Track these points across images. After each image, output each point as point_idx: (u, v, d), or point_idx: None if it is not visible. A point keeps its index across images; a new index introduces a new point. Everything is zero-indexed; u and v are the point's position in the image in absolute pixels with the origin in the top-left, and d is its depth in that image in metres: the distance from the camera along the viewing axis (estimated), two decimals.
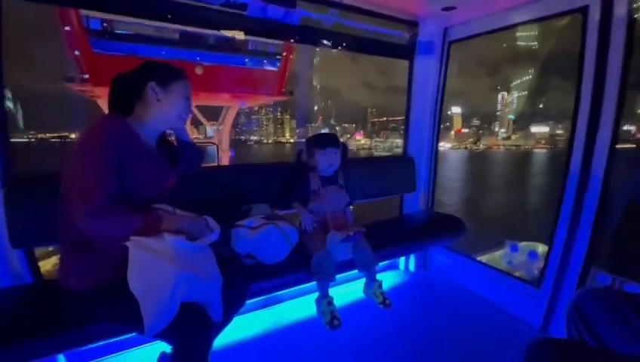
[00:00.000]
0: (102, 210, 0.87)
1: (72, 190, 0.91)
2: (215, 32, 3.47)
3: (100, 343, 1.25)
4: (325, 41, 1.84)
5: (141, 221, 0.93)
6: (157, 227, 0.96)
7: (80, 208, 0.87)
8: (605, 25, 1.38)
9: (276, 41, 4.05)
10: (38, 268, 1.32)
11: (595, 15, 1.41)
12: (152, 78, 1.04)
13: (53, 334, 0.97)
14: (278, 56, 4.17)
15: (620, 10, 1.34)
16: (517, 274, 2.10)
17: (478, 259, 2.21)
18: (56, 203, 0.99)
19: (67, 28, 2.79)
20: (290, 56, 4.17)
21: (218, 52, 4.00)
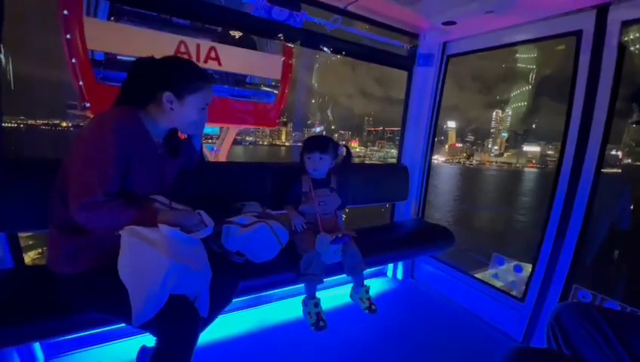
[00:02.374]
0: (97, 204, 0.87)
1: (73, 179, 0.89)
2: (215, 66, 3.58)
3: (80, 334, 1.22)
4: (327, 46, 1.86)
5: (135, 215, 0.92)
6: (152, 220, 0.95)
7: (76, 200, 0.86)
8: (597, 50, 1.43)
9: (273, 77, 4.12)
10: (20, 252, 1.29)
11: (588, 39, 1.46)
12: (170, 87, 1.00)
13: (28, 320, 0.95)
14: (275, 90, 4.21)
15: (612, 37, 1.40)
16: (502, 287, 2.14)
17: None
18: (45, 187, 0.98)
19: (74, 60, 2.85)
20: (286, 90, 4.23)
21: (217, 84, 4.03)
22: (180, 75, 1.03)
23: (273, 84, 4.42)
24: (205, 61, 3.55)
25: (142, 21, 4.13)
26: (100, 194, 0.87)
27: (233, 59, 3.77)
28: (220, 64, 3.65)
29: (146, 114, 1.03)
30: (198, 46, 3.49)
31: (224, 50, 3.67)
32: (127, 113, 0.98)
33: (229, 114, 4.17)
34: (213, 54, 3.57)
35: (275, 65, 4.07)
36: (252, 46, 4.28)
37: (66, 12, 2.61)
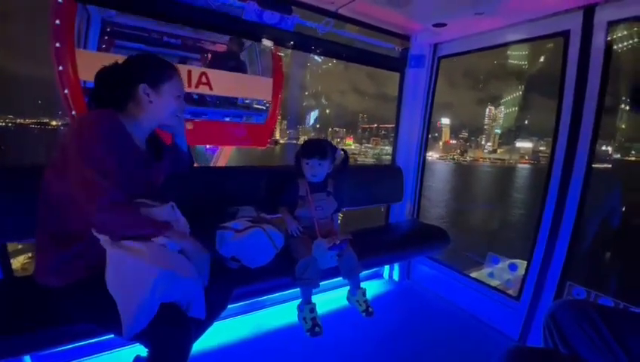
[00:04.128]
0: (118, 204, 0.87)
1: (78, 186, 0.87)
2: (207, 90, 3.65)
3: (71, 345, 1.20)
4: (318, 49, 1.86)
5: (150, 222, 0.94)
6: (165, 227, 0.96)
7: (92, 202, 0.85)
8: (585, 49, 1.45)
9: (264, 98, 4.15)
10: (9, 263, 1.26)
11: (576, 39, 1.48)
12: (144, 79, 1.02)
13: (19, 332, 0.93)
14: (266, 108, 4.25)
15: (599, 37, 1.42)
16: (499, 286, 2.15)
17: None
18: (33, 195, 0.96)
19: (66, 91, 2.89)
20: (277, 110, 4.29)
21: (209, 107, 4.07)
22: (149, 67, 1.04)
23: (264, 102, 4.44)
24: (197, 86, 3.59)
25: (132, 46, 4.12)
26: (112, 189, 0.87)
27: (224, 83, 3.81)
28: (210, 88, 3.68)
29: (126, 115, 1.02)
30: (189, 72, 3.52)
31: (214, 75, 3.69)
32: (108, 114, 0.97)
33: (222, 136, 4.22)
34: (204, 79, 3.61)
35: (266, 87, 4.11)
36: (243, 70, 4.31)
37: (58, 44, 2.64)
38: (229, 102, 4.26)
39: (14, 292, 1.11)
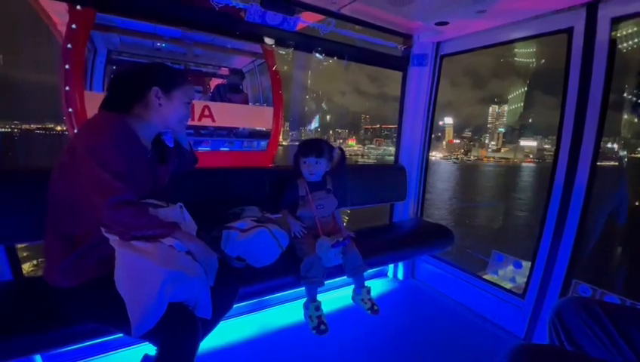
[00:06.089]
0: (128, 204, 0.89)
1: (89, 187, 0.89)
2: (209, 122, 3.75)
3: (80, 344, 1.22)
4: (321, 49, 1.87)
5: (158, 221, 0.96)
6: (172, 229, 0.97)
7: (103, 202, 0.87)
8: (589, 46, 1.44)
9: (265, 127, 4.21)
10: (19, 264, 1.28)
11: (579, 36, 1.47)
12: (157, 82, 1.05)
13: (30, 332, 0.95)
14: (266, 136, 4.32)
15: (603, 34, 1.41)
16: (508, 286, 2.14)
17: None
18: (41, 197, 0.98)
19: (70, 110, 2.96)
20: (278, 137, 4.33)
21: (211, 138, 4.16)
22: (163, 72, 1.08)
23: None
24: (199, 119, 3.69)
25: None
26: (123, 187, 0.89)
27: (226, 114, 3.93)
28: (213, 120, 3.79)
29: (133, 117, 1.04)
30: (192, 106, 3.61)
31: (217, 108, 3.82)
32: (116, 117, 0.99)
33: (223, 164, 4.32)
34: (206, 112, 3.71)
35: (266, 117, 4.21)
36: (245, 100, 4.45)
37: (67, 88, 2.76)
38: (231, 131, 4.37)
39: (24, 292, 1.13)
